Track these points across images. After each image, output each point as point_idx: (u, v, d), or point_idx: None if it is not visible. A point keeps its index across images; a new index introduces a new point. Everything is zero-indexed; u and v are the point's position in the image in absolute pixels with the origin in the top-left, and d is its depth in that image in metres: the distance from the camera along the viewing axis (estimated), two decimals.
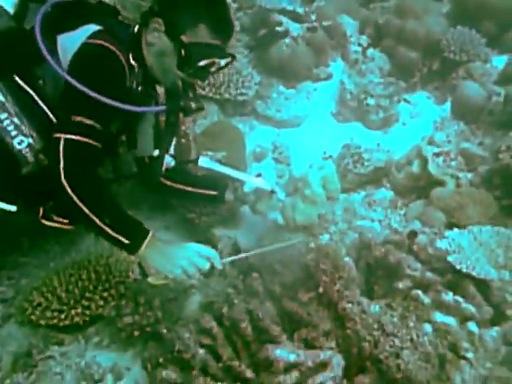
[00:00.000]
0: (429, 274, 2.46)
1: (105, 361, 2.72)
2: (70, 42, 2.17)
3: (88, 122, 2.09)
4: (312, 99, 4.33)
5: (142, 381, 2.56)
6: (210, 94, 3.96)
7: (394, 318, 2.24)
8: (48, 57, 2.11)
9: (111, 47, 2.14)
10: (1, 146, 2.24)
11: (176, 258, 2.18)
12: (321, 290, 2.32)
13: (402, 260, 2.49)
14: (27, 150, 2.27)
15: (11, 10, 2.31)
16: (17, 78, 2.24)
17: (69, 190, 2.03)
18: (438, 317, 2.25)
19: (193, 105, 2.40)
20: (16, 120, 2.24)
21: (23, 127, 2.25)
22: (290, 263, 2.51)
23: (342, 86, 4.16)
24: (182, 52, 2.21)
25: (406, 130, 4.14)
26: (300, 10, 4.48)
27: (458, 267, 2.43)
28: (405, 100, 4.27)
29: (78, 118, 2.08)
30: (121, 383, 2.62)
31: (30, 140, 2.26)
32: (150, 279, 2.26)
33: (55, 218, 2.47)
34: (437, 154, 3.15)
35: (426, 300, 2.32)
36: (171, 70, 2.28)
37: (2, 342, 2.81)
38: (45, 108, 2.25)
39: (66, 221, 2.49)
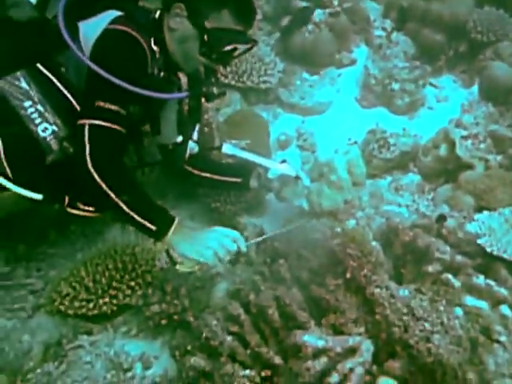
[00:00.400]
0: (459, 258, 2.41)
1: (133, 350, 2.74)
2: (92, 28, 2.17)
3: (112, 107, 2.08)
4: (336, 85, 4.27)
5: (170, 369, 2.57)
6: (233, 82, 3.92)
7: (423, 302, 2.19)
8: (71, 44, 2.10)
9: (133, 33, 2.13)
10: (25, 134, 2.26)
11: (205, 241, 2.16)
12: (348, 275, 2.29)
13: (431, 244, 2.44)
14: (51, 137, 2.28)
15: (33, 0, 2.32)
16: (40, 66, 2.25)
17: (96, 177, 2.02)
18: (469, 300, 2.20)
19: (215, 90, 2.39)
20: (40, 107, 2.25)
21: (47, 114, 2.26)
22: (316, 248, 2.49)
23: (366, 71, 4.09)
24: (205, 38, 2.20)
25: (433, 114, 4.07)
26: None
27: (488, 250, 2.38)
28: (431, 84, 4.19)
29: (102, 104, 2.07)
30: (150, 372, 2.63)
31: (55, 127, 2.27)
32: (178, 267, 2.24)
33: (81, 206, 2.47)
34: (465, 137, 3.09)
35: (457, 283, 2.27)
36: (193, 55, 2.27)
37: (32, 332, 2.83)
38: (68, 95, 2.26)
39: (91, 209, 2.49)
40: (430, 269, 2.35)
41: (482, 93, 3.81)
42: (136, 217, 2.08)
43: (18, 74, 2.24)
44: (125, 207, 2.06)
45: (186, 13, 2.20)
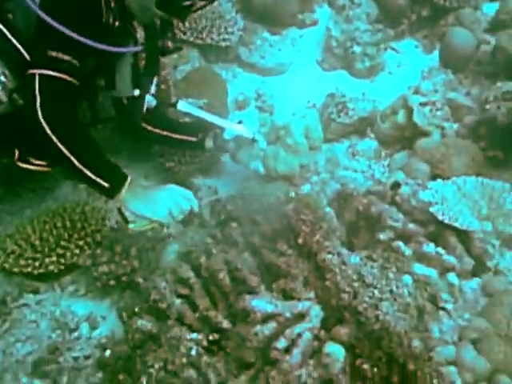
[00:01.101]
0: (411, 226, 2.41)
1: (80, 310, 2.70)
2: None
3: (65, 57, 1.98)
4: (297, 46, 4.19)
5: (117, 330, 2.53)
6: (192, 39, 3.80)
7: (374, 269, 2.20)
8: None
9: None
10: None
11: (158, 199, 2.13)
12: (300, 240, 2.27)
13: (383, 211, 2.44)
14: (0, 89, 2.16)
15: None
16: None
17: (47, 129, 1.93)
18: (418, 268, 2.21)
19: (171, 45, 2.30)
20: None
21: None
22: (269, 213, 2.45)
23: (328, 32, 4.02)
24: None
25: (393, 79, 4.03)
26: None
27: (440, 218, 2.38)
28: (392, 48, 4.15)
29: (54, 53, 1.96)
30: (96, 332, 2.59)
31: (2, 78, 2.15)
32: (130, 225, 2.17)
33: (32, 160, 2.37)
34: (423, 104, 3.07)
35: (407, 251, 2.28)
36: (150, 7, 2.16)
37: None
38: (16, 44, 2.13)
39: (43, 163, 2.40)
40: (382, 236, 2.35)
41: (441, 59, 3.78)
42: (88, 173, 2.00)
43: None
44: (76, 162, 1.97)
45: None
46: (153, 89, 2.67)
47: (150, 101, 2.65)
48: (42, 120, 1.92)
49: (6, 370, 2.44)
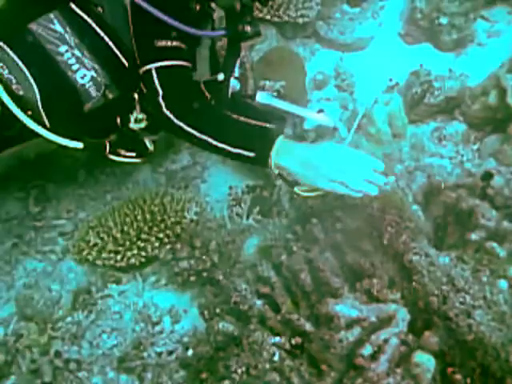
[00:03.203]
0: (505, 223, 2.25)
1: (162, 302, 2.73)
2: None
3: (173, 43, 1.95)
4: (378, 19, 3.98)
5: (199, 325, 2.53)
6: (268, 17, 3.68)
7: (465, 271, 2.07)
8: None
9: None
10: (63, 81, 2.12)
11: (324, 169, 1.85)
12: (385, 241, 2.17)
13: (475, 207, 2.28)
14: (90, 83, 2.14)
15: None
16: (73, 6, 2.08)
17: (175, 120, 1.92)
18: None
19: (249, 30, 2.21)
20: (77, 52, 2.10)
21: (85, 60, 2.12)
22: (352, 210, 2.35)
23: (413, 3, 3.79)
24: None
25: (483, 51, 3.77)
26: None
27: None
28: (482, 17, 3.87)
29: (163, 43, 1.94)
30: (178, 326, 2.60)
31: (93, 73, 2.13)
32: (296, 189, 1.99)
33: (122, 152, 2.38)
34: None
35: (502, 253, 2.13)
36: None
37: (61, 280, 2.83)
38: (106, 38, 2.11)
39: (133, 154, 2.40)
40: (474, 236, 2.20)
41: None
42: (229, 148, 1.92)
43: (51, 15, 2.07)
44: (214, 142, 1.92)
45: None
46: (236, 72, 2.61)
47: (234, 84, 2.59)
48: (166, 112, 1.92)
49: (94, 362, 2.50)
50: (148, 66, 1.95)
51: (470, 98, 3.09)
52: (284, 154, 1.87)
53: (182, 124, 1.92)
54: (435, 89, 3.20)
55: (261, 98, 2.69)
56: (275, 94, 3.23)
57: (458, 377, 1.87)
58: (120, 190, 3.27)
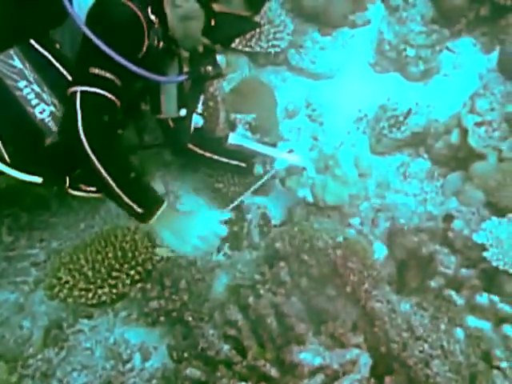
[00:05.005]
0: (463, 271, 2.35)
1: (133, 337, 2.75)
2: None
3: (108, 75, 1.96)
4: (348, 48, 4.06)
5: (169, 363, 2.57)
6: (240, 47, 3.73)
7: (424, 319, 2.16)
8: (70, 9, 1.96)
9: (127, 2, 1.98)
10: (22, 117, 2.15)
11: (187, 234, 2.14)
12: (348, 289, 2.24)
13: (435, 253, 2.37)
14: (50, 118, 2.17)
15: None
16: (34, 43, 2.12)
17: (87, 148, 1.92)
18: (471, 321, 2.16)
19: (211, 70, 2.27)
20: (36, 87, 2.13)
21: (44, 95, 2.15)
22: (318, 254, 2.42)
23: (381, 35, 3.88)
24: (212, 21, 2.07)
25: (449, 82, 3.88)
26: None
27: (494, 264, 2.31)
28: (447, 48, 3.97)
29: (97, 71, 1.95)
30: (148, 363, 2.64)
31: (52, 108, 2.17)
32: (157, 250, 2.28)
33: (83, 187, 2.41)
34: (478, 124, 2.94)
35: (459, 301, 2.22)
36: (195, 35, 2.16)
37: (33, 315, 2.85)
38: (65, 73, 2.13)
39: (93, 189, 2.42)
40: (433, 283, 2.29)
41: (500, 68, 3.60)
42: (123, 196, 2.01)
43: (11, 51, 2.11)
44: (112, 183, 1.99)
45: None
46: (199, 108, 2.65)
47: (197, 120, 2.64)
48: (82, 137, 1.91)
49: None
50: (75, 88, 1.95)
51: (434, 135, 3.19)
52: (162, 219, 2.10)
53: (92, 155, 1.92)
54: (402, 124, 3.29)
55: (233, 139, 2.76)
56: (247, 126, 3.31)
57: None
58: (93, 219, 3.29)
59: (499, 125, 2.97)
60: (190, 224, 2.17)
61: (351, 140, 2.97)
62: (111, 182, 1.98)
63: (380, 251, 2.58)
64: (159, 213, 2.09)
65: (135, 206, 2.04)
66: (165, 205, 2.12)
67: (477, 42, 4.02)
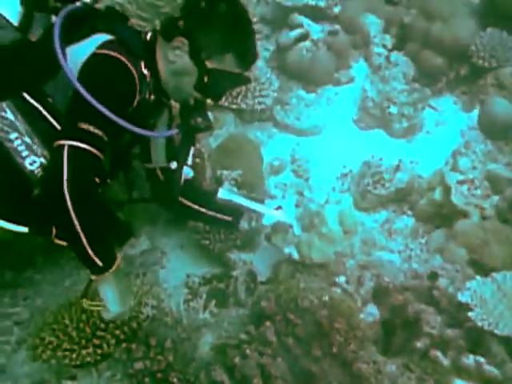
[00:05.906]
0: (448, 331, 2.35)
1: None
2: (79, 53, 2.05)
3: (96, 131, 1.97)
4: (333, 105, 4.15)
5: None
6: (226, 104, 3.81)
7: (411, 381, 2.15)
8: (64, 65, 1.98)
9: (121, 58, 2.02)
10: (12, 167, 2.13)
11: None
12: (334, 349, 2.24)
13: (421, 313, 2.38)
14: (39, 170, 2.17)
15: (15, 21, 2.18)
16: (26, 96, 2.13)
17: (68, 202, 1.89)
18: None
19: (201, 122, 2.30)
20: (27, 139, 2.13)
21: (35, 147, 2.15)
22: (303, 313, 2.42)
23: (365, 93, 3.98)
24: (205, 78, 2.12)
25: (431, 138, 3.98)
26: (322, 4, 4.26)
27: (479, 324, 2.31)
28: (430, 106, 4.08)
29: (85, 126, 1.96)
30: None
31: (43, 160, 2.16)
32: (84, 302, 2.21)
33: None
34: (460, 182, 3.00)
35: (446, 362, 2.22)
36: (187, 90, 2.19)
37: (15, 378, 2.79)
38: (57, 126, 2.14)
39: None
40: (419, 344, 2.29)
41: (481, 126, 3.70)
42: (88, 249, 1.98)
43: (4, 104, 2.11)
44: (83, 238, 1.95)
45: (188, 48, 2.10)
46: (190, 160, 2.68)
47: (187, 173, 2.66)
48: (66, 192, 1.89)
49: None
50: (63, 142, 1.94)
51: (417, 191, 3.24)
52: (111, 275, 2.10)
53: (71, 210, 1.90)
54: (386, 180, 3.34)
55: (222, 194, 2.79)
56: (233, 182, 3.35)
57: None
58: (79, 275, 3.26)
59: (481, 183, 3.03)
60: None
61: (336, 196, 2.99)
62: (82, 236, 1.95)
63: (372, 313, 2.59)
64: (114, 268, 2.08)
65: (97, 259, 2.01)
66: (118, 260, 2.12)
67: (458, 100, 4.14)
